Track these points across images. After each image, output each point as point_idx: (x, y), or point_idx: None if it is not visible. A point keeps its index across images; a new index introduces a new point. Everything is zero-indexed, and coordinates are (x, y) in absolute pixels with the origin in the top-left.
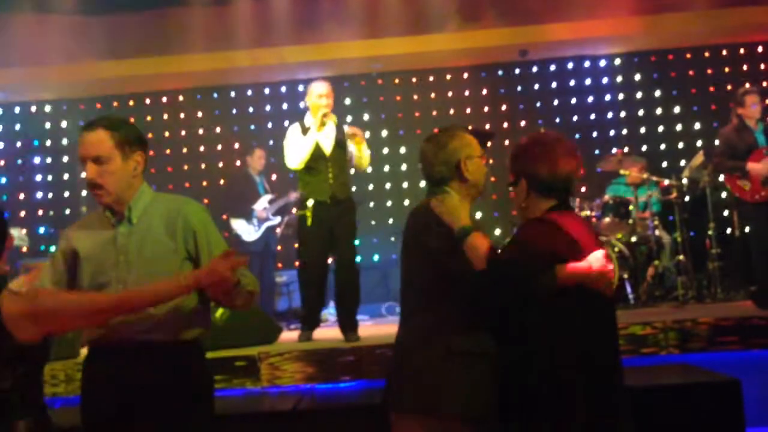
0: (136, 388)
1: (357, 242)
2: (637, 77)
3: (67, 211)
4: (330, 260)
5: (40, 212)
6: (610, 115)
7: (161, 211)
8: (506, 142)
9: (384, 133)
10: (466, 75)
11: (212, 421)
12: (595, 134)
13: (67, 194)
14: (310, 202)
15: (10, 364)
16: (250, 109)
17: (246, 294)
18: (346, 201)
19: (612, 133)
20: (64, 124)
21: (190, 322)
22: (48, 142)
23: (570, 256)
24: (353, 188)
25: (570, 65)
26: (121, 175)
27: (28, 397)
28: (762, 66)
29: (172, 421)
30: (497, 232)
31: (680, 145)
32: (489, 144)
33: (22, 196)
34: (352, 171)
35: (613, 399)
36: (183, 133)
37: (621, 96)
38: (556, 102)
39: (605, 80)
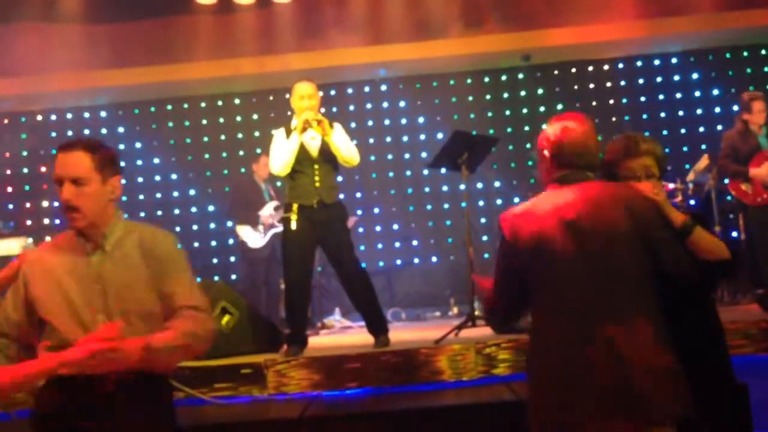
0: (93, 419)
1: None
2: (641, 81)
3: None
4: (321, 268)
5: (46, 221)
6: (614, 119)
7: (135, 239)
8: (510, 147)
9: (388, 138)
10: (469, 80)
11: None
12: (599, 138)
13: None
14: (296, 206)
15: None
16: (255, 117)
17: (169, 351)
18: (334, 205)
19: (615, 137)
20: (69, 133)
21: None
22: (54, 152)
23: None
24: (358, 195)
25: (573, 70)
26: (98, 199)
27: None
28: (766, 69)
29: None
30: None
31: (685, 148)
32: (493, 149)
33: (28, 204)
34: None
35: None
36: (188, 140)
37: (624, 100)
38: (559, 106)
39: (608, 84)
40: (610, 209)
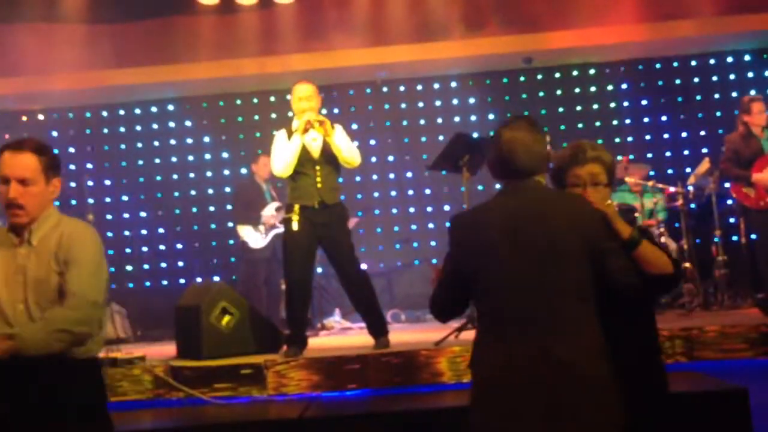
0: (20, 406)
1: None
2: (642, 84)
3: None
4: (320, 269)
5: None
6: (615, 122)
7: (57, 234)
8: None
9: (389, 140)
10: (470, 82)
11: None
12: (600, 142)
13: (74, 203)
14: (297, 207)
15: None
16: (256, 117)
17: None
18: (335, 206)
19: (617, 140)
20: (71, 132)
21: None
22: (55, 151)
23: None
24: (359, 196)
25: (575, 73)
26: (42, 199)
27: None
28: (767, 73)
29: None
30: None
31: (686, 152)
32: None
33: None
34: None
35: None
36: (189, 141)
37: (626, 103)
38: (561, 109)
39: (610, 87)
40: (554, 219)
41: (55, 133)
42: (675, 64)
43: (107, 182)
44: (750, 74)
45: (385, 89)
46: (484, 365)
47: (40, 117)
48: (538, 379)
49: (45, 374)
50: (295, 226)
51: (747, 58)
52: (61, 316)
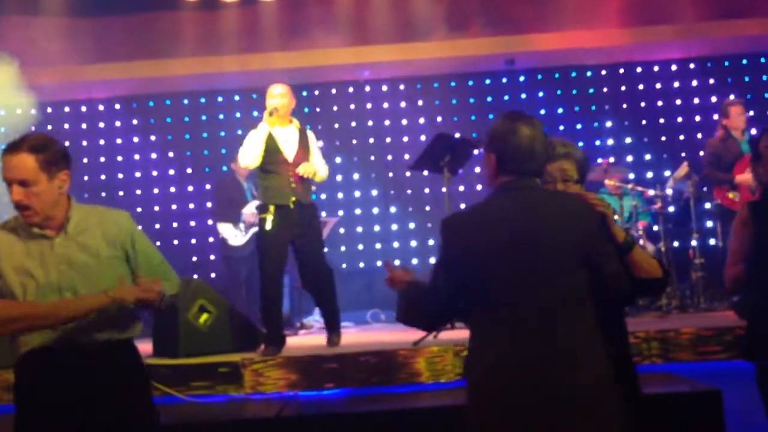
0: (79, 387)
1: (324, 246)
2: (623, 88)
3: None
4: (300, 267)
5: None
6: (596, 125)
7: (94, 220)
8: None
9: (371, 140)
10: (453, 83)
11: (154, 414)
12: (581, 144)
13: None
14: (272, 207)
15: None
16: (238, 115)
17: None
18: (309, 206)
19: (597, 143)
20: (48, 127)
21: (132, 321)
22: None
23: None
24: (339, 195)
25: (557, 75)
26: (48, 196)
27: None
28: (747, 78)
29: (117, 417)
30: None
31: (665, 155)
32: (476, 151)
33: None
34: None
35: None
36: (169, 137)
37: (606, 106)
38: (542, 111)
39: (591, 90)
40: (557, 219)
41: (32, 129)
42: (655, 68)
43: (85, 178)
44: (729, 79)
45: (367, 89)
46: (482, 368)
47: (18, 111)
48: (539, 380)
49: (107, 357)
50: (269, 225)
51: (726, 63)
52: (171, 273)
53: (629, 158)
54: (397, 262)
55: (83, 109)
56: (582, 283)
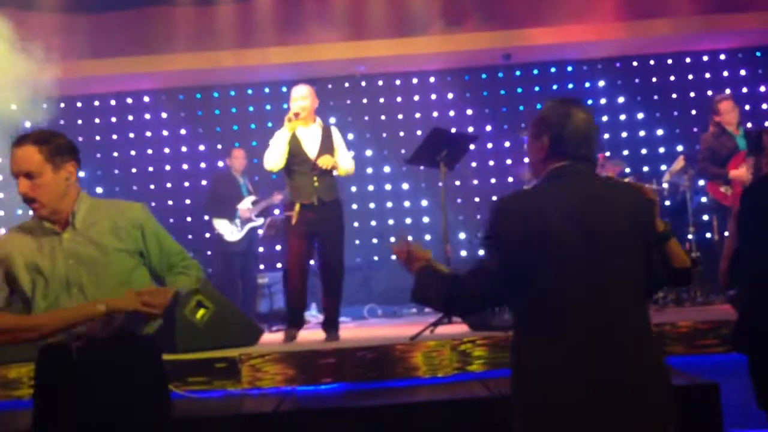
0: (96, 381)
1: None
2: (619, 82)
3: None
4: (313, 261)
5: (19, 212)
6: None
7: (103, 214)
8: (489, 145)
9: (367, 135)
10: (449, 78)
11: (171, 409)
12: None
13: None
14: (298, 206)
15: None
16: (234, 110)
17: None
18: (332, 203)
19: None
20: (44, 124)
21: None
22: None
23: None
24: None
25: (553, 69)
26: (54, 188)
27: None
28: (742, 72)
29: (134, 411)
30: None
31: (661, 149)
32: (472, 146)
33: (1, 195)
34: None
35: None
36: (165, 133)
37: (603, 100)
38: (539, 106)
39: (587, 84)
40: (614, 208)
41: (27, 124)
42: (651, 62)
43: (81, 174)
44: (725, 73)
45: (363, 83)
46: (552, 363)
47: (13, 107)
48: (611, 378)
49: (125, 353)
50: (294, 221)
51: (722, 57)
52: (191, 264)
53: (625, 152)
54: (393, 257)
55: (78, 104)
56: (642, 273)
